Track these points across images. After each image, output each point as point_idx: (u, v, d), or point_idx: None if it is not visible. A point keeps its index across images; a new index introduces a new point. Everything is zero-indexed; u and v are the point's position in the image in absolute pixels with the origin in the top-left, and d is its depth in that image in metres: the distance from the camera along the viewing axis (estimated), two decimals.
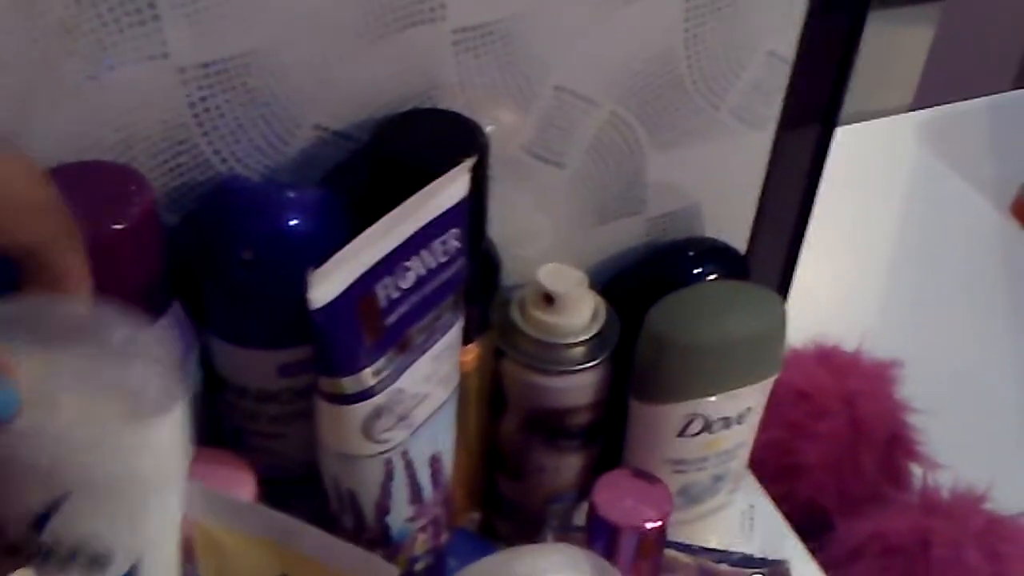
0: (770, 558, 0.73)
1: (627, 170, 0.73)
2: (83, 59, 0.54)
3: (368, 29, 0.60)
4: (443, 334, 0.59)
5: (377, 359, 0.55)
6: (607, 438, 0.76)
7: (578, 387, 0.71)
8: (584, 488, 0.73)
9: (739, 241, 0.81)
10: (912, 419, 1.12)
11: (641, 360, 0.71)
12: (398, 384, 0.56)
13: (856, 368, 1.13)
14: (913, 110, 1.84)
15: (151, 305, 0.56)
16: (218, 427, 0.64)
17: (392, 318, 0.55)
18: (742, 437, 0.74)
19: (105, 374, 0.42)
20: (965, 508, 1.01)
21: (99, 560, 0.41)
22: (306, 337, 0.53)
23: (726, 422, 0.72)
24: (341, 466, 0.58)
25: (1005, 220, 1.59)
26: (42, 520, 0.39)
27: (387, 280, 0.54)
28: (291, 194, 0.59)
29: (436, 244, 0.56)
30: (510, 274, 0.72)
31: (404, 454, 0.59)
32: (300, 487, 0.63)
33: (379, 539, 0.62)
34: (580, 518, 0.71)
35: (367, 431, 0.56)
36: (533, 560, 0.57)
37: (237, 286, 0.58)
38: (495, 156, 0.66)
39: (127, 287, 0.53)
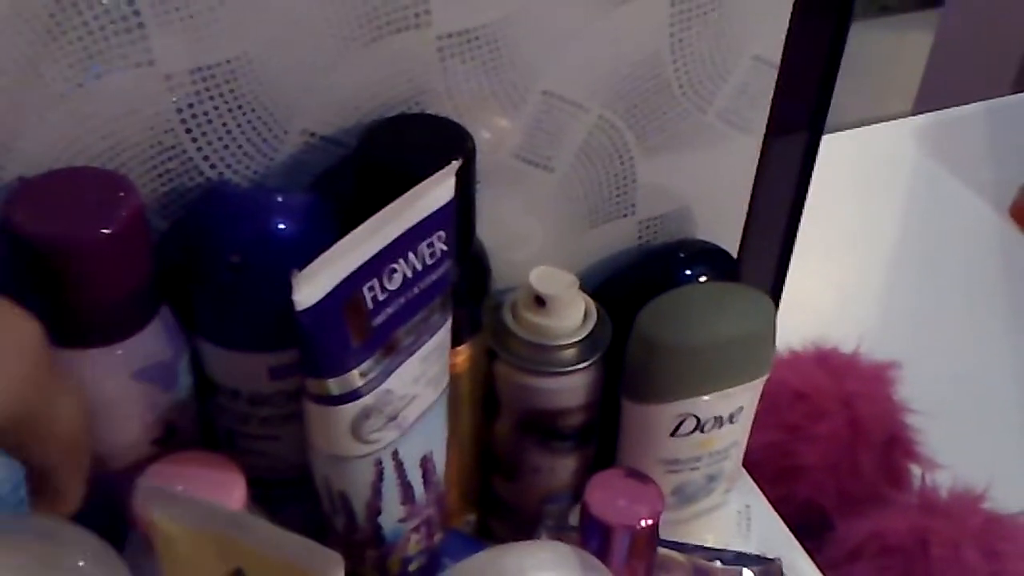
0: (764, 556, 0.73)
1: (616, 173, 0.73)
2: (70, 67, 0.54)
3: (354, 35, 0.60)
4: (431, 335, 0.59)
5: (364, 360, 0.54)
6: (601, 439, 0.75)
7: (571, 388, 0.71)
8: (579, 489, 0.73)
9: (731, 243, 0.81)
10: (911, 420, 1.12)
11: (632, 361, 0.70)
12: (386, 385, 0.56)
13: (854, 369, 1.13)
14: (914, 115, 1.84)
15: (140, 310, 0.56)
16: (211, 430, 0.64)
17: (379, 319, 0.55)
18: (735, 437, 0.74)
19: None
20: (963, 508, 1.00)
21: None
22: (296, 339, 0.53)
23: (718, 421, 0.72)
24: (331, 467, 0.58)
25: (1004, 223, 1.59)
26: None
27: (373, 282, 0.54)
28: (279, 199, 0.59)
29: (422, 246, 0.56)
30: (503, 277, 0.72)
31: (394, 455, 0.59)
32: (293, 489, 0.63)
33: (371, 540, 0.62)
34: (575, 518, 0.71)
35: (356, 432, 0.56)
36: (521, 557, 0.57)
37: (226, 290, 0.58)
38: (485, 161, 0.66)
39: (116, 292, 0.54)
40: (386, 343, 0.56)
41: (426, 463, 0.62)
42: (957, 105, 1.81)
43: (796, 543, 0.84)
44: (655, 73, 0.69)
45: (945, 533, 0.96)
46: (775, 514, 0.85)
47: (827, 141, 1.67)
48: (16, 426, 0.45)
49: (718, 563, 0.71)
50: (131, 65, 0.55)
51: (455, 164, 0.57)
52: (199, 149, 0.59)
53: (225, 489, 0.58)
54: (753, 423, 1.08)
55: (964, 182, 1.65)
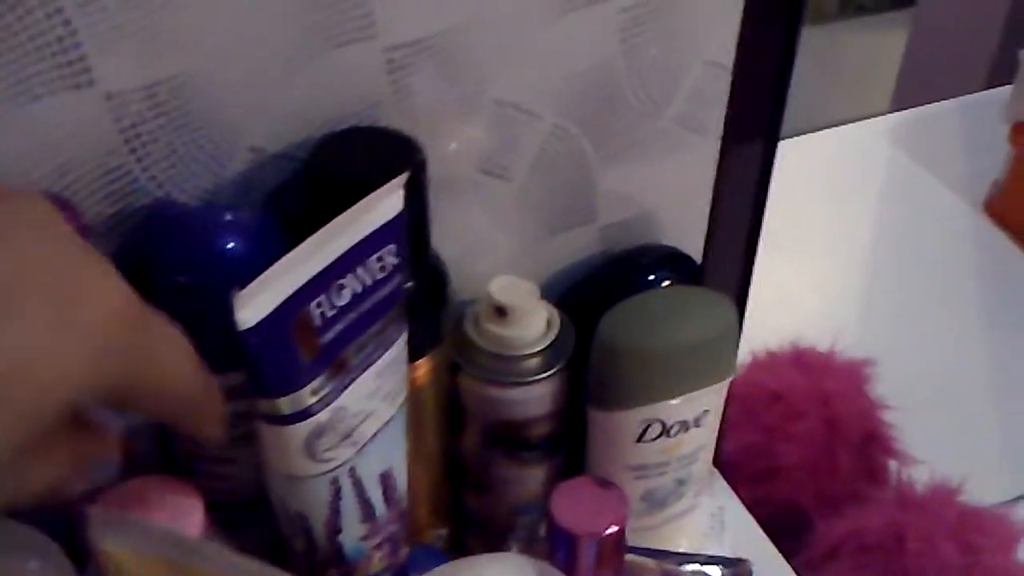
0: (733, 557, 0.71)
1: (575, 181, 0.72)
2: (5, 90, 0.52)
3: (299, 50, 0.58)
4: (385, 350, 0.57)
5: (315, 377, 0.53)
6: (571, 447, 0.74)
7: (536, 398, 0.69)
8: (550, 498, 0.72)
9: (694, 247, 0.79)
10: (888, 416, 1.10)
11: (595, 368, 0.69)
12: (339, 402, 0.55)
13: (830, 368, 1.12)
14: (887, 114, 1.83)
15: None
16: (169, 455, 0.62)
17: (329, 336, 0.53)
18: (702, 440, 0.72)
19: None
20: (939, 502, 0.99)
21: None
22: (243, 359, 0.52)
23: (684, 426, 0.70)
24: (287, 488, 0.57)
25: (979, 218, 1.58)
26: None
27: (321, 298, 0.52)
28: (227, 217, 0.57)
29: (372, 261, 0.55)
30: (465, 289, 0.71)
31: (351, 472, 0.57)
32: (253, 512, 0.61)
33: (332, 559, 0.60)
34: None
35: (310, 451, 0.55)
36: (478, 570, 0.56)
37: (174, 312, 0.56)
38: (441, 172, 0.64)
39: None
40: (337, 359, 0.54)
41: (386, 479, 0.60)
42: (934, 102, 1.81)
43: (771, 544, 0.82)
44: (608, 80, 0.68)
45: (921, 527, 0.95)
46: (750, 516, 0.84)
47: (802, 141, 1.67)
48: (120, 383, 0.43)
49: (687, 568, 0.69)
50: (70, 86, 0.53)
51: (403, 176, 0.55)
52: (145, 169, 0.58)
53: (183, 514, 0.56)
54: (731, 425, 1.07)
55: (939, 178, 1.64)
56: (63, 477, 0.45)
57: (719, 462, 0.98)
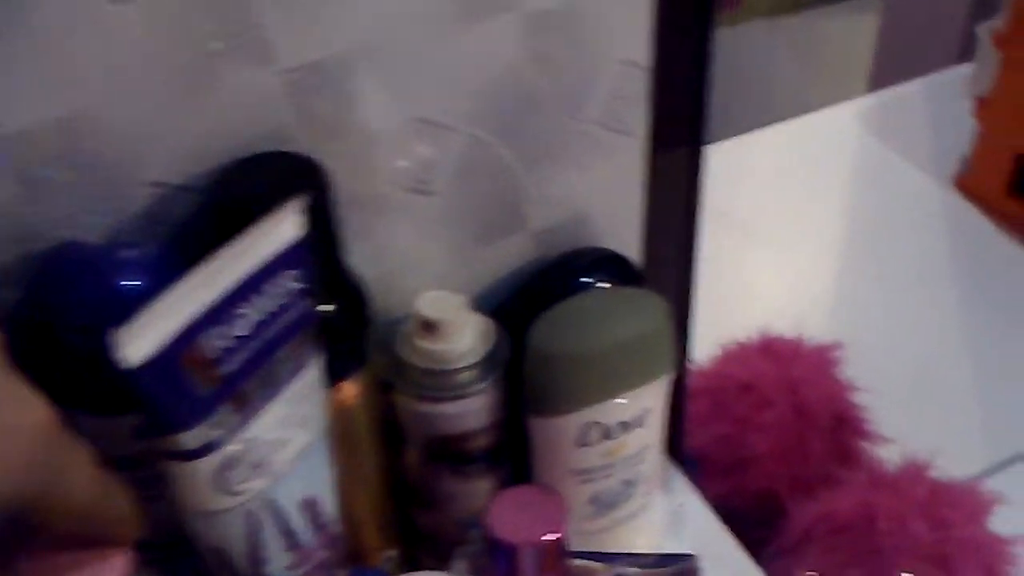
0: (680, 553, 0.68)
1: (500, 190, 0.69)
2: None
3: (192, 79, 0.56)
4: (295, 376, 0.54)
5: (215, 410, 0.50)
6: (517, 456, 0.71)
7: (472, 411, 0.67)
8: None
9: (631, 248, 0.76)
10: (857, 398, 1.08)
11: (529, 376, 0.66)
12: (248, 432, 0.52)
13: (798, 355, 1.09)
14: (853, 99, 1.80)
15: None
16: None
17: (229, 366, 0.51)
18: (646, 440, 0.70)
19: None
20: (909, 479, 0.96)
21: None
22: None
23: (625, 426, 0.67)
24: (202, 523, 0.54)
25: (949, 195, 1.55)
26: None
27: (217, 329, 0.50)
28: (128, 253, 0.55)
29: (270, 287, 0.52)
30: (399, 306, 0.68)
31: (270, 503, 0.55)
32: (182, 549, 0.59)
33: None
34: None
35: (220, 484, 0.52)
36: None
37: (74, 354, 0.53)
38: (359, 192, 0.62)
39: None
40: (240, 390, 0.51)
41: (311, 506, 0.57)
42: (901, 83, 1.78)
43: (732, 538, 0.79)
44: (519, 87, 0.65)
45: (891, 506, 0.92)
46: (710, 511, 0.81)
47: (768, 131, 1.64)
48: (33, 502, 0.45)
49: (636, 569, 0.66)
50: None
51: (299, 200, 0.53)
52: (43, 212, 0.55)
53: (108, 555, 0.53)
54: (702, 417, 1.04)
55: (907, 158, 1.61)
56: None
57: (690, 456, 0.95)
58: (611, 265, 0.73)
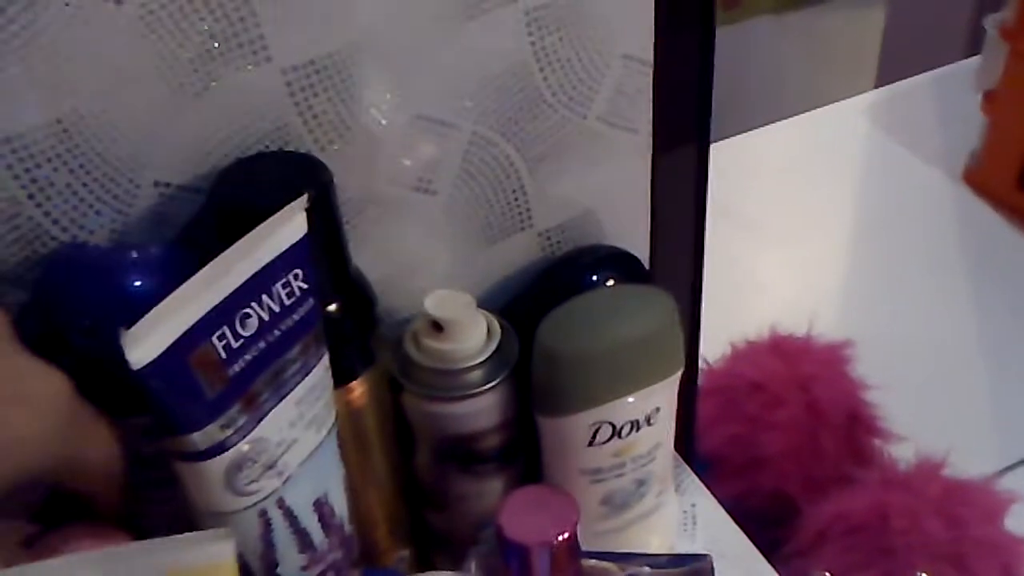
0: (694, 554, 0.68)
1: (504, 188, 0.70)
2: None
3: (191, 79, 0.56)
4: (303, 376, 0.55)
5: (224, 411, 0.51)
6: (529, 455, 0.71)
7: (482, 410, 0.67)
8: None
9: (639, 245, 0.77)
10: (870, 396, 1.08)
11: (537, 375, 0.67)
12: (257, 432, 0.53)
13: (808, 353, 1.09)
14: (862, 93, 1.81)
15: None
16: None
17: (236, 367, 0.51)
18: (656, 438, 0.70)
19: None
20: (923, 477, 0.96)
21: None
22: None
23: (635, 425, 0.68)
24: (214, 524, 0.54)
25: (959, 189, 1.55)
26: None
27: (223, 329, 0.50)
28: (132, 255, 0.55)
29: (277, 287, 0.53)
30: (404, 307, 0.69)
31: (280, 503, 0.55)
32: None
33: None
34: None
35: (231, 485, 0.52)
36: None
37: (83, 355, 0.54)
38: (363, 191, 0.62)
39: None
40: (249, 390, 0.52)
41: (321, 507, 0.58)
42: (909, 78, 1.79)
43: (745, 538, 0.79)
44: (523, 83, 0.66)
45: (905, 505, 0.92)
46: (724, 511, 0.81)
47: (778, 127, 1.64)
48: (57, 468, 0.49)
49: (648, 568, 0.67)
50: None
51: (303, 199, 0.53)
52: (46, 214, 0.56)
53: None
54: (713, 417, 1.05)
55: (917, 153, 1.62)
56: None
57: (702, 456, 0.96)
58: (619, 263, 0.74)
